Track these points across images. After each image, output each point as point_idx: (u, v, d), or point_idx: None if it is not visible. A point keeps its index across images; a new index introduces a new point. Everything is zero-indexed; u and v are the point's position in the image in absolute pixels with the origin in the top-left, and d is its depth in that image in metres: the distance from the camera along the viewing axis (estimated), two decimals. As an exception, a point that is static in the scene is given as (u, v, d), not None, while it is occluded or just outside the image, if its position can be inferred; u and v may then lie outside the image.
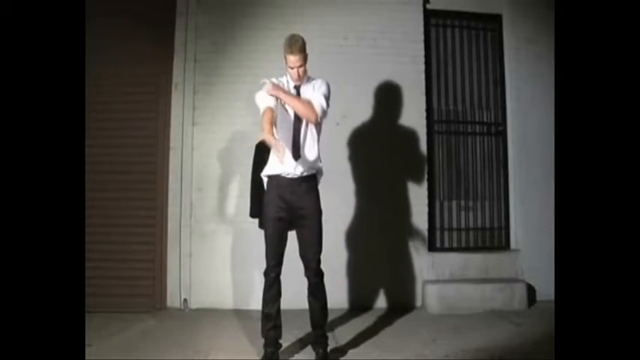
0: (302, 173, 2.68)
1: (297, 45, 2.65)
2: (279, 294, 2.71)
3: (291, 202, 2.67)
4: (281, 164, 2.56)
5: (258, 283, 2.93)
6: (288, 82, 2.77)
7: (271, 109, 2.62)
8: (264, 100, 2.64)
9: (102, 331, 3.19)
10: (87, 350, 2.32)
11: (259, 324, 2.73)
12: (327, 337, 2.81)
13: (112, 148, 3.92)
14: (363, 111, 4.08)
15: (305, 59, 2.71)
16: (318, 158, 2.76)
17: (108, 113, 3.89)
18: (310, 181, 2.73)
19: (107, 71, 3.89)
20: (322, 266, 2.74)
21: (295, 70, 2.68)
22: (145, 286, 3.90)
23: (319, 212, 2.73)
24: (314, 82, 2.80)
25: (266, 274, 2.70)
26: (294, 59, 2.67)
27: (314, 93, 2.72)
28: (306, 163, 2.68)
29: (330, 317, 2.92)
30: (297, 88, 2.75)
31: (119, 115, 3.93)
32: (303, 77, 2.75)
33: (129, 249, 3.88)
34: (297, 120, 2.69)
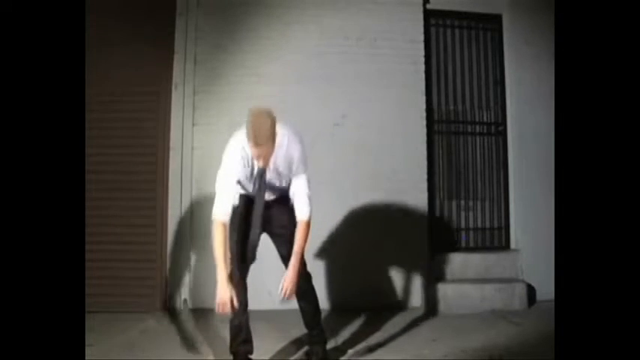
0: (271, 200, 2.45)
1: (263, 134, 2.11)
2: (245, 302, 2.45)
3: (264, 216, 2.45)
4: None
5: (259, 282, 2.92)
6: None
7: (223, 225, 2.31)
8: (226, 184, 2.30)
9: (102, 331, 3.19)
10: (87, 350, 2.32)
11: (259, 324, 2.71)
12: (324, 333, 2.73)
13: (112, 148, 3.91)
14: (362, 111, 4.08)
15: (273, 143, 2.20)
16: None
17: (108, 113, 3.89)
18: (283, 201, 2.51)
19: (107, 72, 3.89)
20: (321, 267, 2.71)
21: (261, 159, 2.23)
22: (145, 286, 3.90)
23: (293, 225, 2.44)
24: (284, 154, 2.34)
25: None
26: (258, 152, 2.15)
27: (297, 200, 2.35)
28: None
29: (330, 317, 2.92)
30: (263, 170, 2.34)
31: (119, 115, 3.93)
32: (270, 159, 2.27)
33: (129, 249, 3.87)
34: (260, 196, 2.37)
